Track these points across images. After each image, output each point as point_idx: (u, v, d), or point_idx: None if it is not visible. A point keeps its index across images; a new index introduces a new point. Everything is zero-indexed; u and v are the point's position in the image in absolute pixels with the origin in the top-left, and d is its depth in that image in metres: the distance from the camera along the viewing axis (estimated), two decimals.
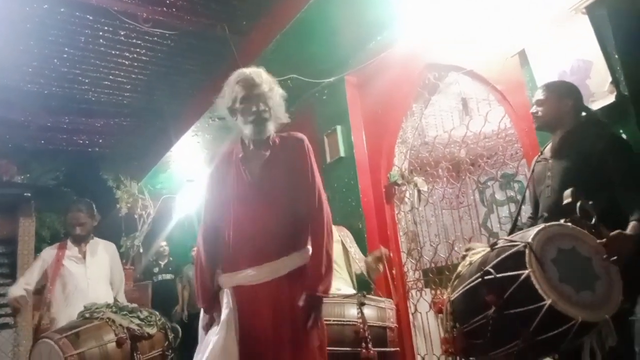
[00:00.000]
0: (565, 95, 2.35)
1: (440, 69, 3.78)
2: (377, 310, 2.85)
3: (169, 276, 6.87)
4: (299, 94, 4.56)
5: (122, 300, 3.49)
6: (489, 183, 5.92)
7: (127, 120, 5.92)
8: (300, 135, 2.25)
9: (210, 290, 2.15)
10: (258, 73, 2.17)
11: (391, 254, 3.83)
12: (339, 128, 4.32)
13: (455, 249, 3.74)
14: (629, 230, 1.94)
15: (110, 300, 3.36)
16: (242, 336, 2.02)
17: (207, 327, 2.13)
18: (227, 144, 2.34)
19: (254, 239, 2.09)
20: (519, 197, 5.96)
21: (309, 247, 2.14)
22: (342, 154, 4.27)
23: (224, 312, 2.07)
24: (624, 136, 2.36)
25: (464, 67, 3.47)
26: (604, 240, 1.86)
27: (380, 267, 3.36)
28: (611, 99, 2.47)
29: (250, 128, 2.14)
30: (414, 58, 3.82)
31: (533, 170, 2.50)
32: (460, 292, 2.09)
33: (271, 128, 2.18)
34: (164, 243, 6.94)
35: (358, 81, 4.42)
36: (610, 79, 2.48)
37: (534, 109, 2.38)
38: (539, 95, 2.39)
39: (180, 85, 5.26)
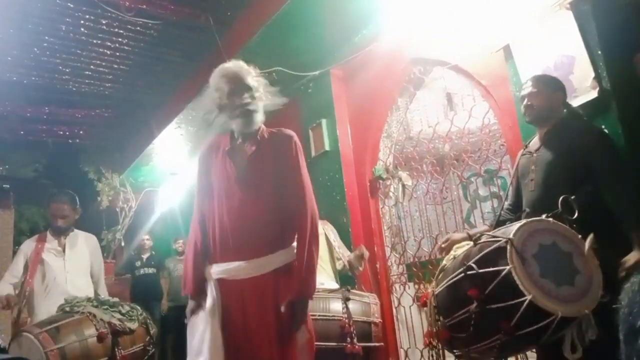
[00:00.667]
0: (556, 89, 2.36)
1: (425, 64, 3.78)
2: (362, 305, 2.85)
3: (151, 270, 6.79)
4: (283, 87, 4.45)
5: (103, 293, 3.43)
6: (472, 179, 5.96)
7: (108, 111, 5.83)
8: (289, 131, 2.23)
9: (198, 277, 2.13)
10: (241, 66, 2.16)
11: (375, 248, 3.84)
12: (324, 122, 4.31)
13: (439, 243, 3.75)
14: (635, 243, 1.97)
15: (91, 294, 3.31)
16: (224, 329, 2.01)
17: (192, 312, 2.11)
18: (214, 136, 2.31)
19: (238, 234, 2.08)
20: (502, 193, 6.03)
21: (294, 246, 2.12)
22: (327, 147, 4.26)
23: (209, 301, 2.06)
24: (605, 131, 2.38)
25: (449, 61, 3.47)
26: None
27: (362, 265, 3.37)
28: (594, 94, 2.49)
29: (237, 122, 2.13)
30: (399, 52, 3.82)
31: (517, 164, 2.51)
32: (444, 286, 2.09)
33: (259, 120, 2.15)
34: (146, 236, 6.87)
35: (344, 74, 4.40)
36: (593, 74, 2.49)
37: (526, 101, 2.36)
38: (531, 87, 2.37)
39: (163, 76, 5.19)
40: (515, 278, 1.72)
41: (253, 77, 2.15)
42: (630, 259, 1.97)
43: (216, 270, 2.10)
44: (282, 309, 2.00)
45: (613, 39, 2.47)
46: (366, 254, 3.36)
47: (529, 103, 2.36)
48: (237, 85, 2.11)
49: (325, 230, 3.53)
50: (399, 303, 3.91)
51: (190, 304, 2.14)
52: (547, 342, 1.85)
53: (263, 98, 2.16)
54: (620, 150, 2.26)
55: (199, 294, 2.11)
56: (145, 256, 6.84)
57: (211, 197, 2.17)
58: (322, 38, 4.05)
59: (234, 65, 2.16)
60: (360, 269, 3.38)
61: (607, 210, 2.15)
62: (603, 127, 2.39)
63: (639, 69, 2.40)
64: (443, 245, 2.50)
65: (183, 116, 5.38)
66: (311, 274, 2.07)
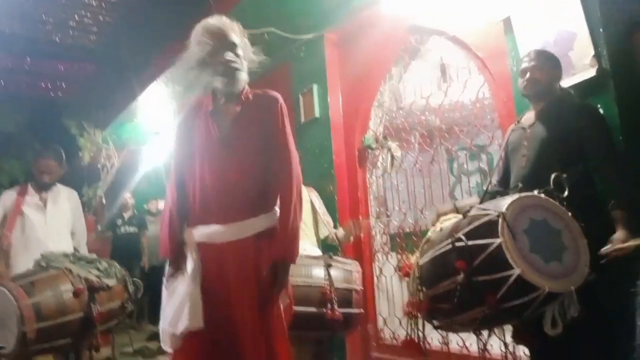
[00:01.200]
0: (556, 66, 2.34)
1: (422, 33, 3.69)
2: (344, 273, 2.86)
3: (132, 229, 6.76)
4: (275, 49, 4.38)
5: (84, 251, 3.37)
6: (460, 152, 5.95)
7: (92, 65, 5.67)
8: (275, 93, 2.16)
9: (177, 242, 2.08)
10: (225, 22, 2.07)
11: (361, 218, 3.84)
12: (315, 87, 4.21)
13: (424, 215, 3.76)
14: (620, 224, 1.98)
15: (70, 251, 3.25)
16: (204, 294, 1.98)
17: (171, 277, 2.07)
18: (197, 96, 2.23)
19: (220, 197, 2.03)
20: (488, 169, 6.05)
21: (277, 209, 2.09)
22: (317, 114, 4.18)
23: (189, 266, 2.02)
24: (601, 111, 2.36)
25: (446, 32, 3.40)
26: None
27: (352, 238, 3.36)
28: (592, 72, 2.45)
29: (221, 80, 2.04)
30: (397, 19, 3.71)
31: (508, 139, 2.48)
32: (430, 257, 2.09)
33: (243, 79, 2.08)
34: (128, 195, 6.79)
35: (338, 40, 4.29)
36: (592, 52, 2.45)
37: (529, 75, 2.31)
38: (535, 61, 2.32)
39: (151, 31, 5.02)
40: (505, 252, 1.71)
41: (238, 34, 2.07)
42: (618, 238, 1.97)
43: (196, 234, 2.05)
44: (265, 272, 1.98)
45: (615, 17, 2.43)
46: (359, 225, 3.35)
47: (532, 77, 2.31)
48: (221, 42, 2.02)
49: (311, 197, 3.50)
50: (381, 272, 3.93)
51: (169, 268, 2.10)
52: (529, 316, 1.87)
53: (247, 57, 2.08)
54: (614, 131, 2.24)
55: (177, 258, 2.07)
56: (127, 215, 6.79)
57: (192, 158, 2.10)
58: (318, 0, 3.93)
59: (217, 20, 2.07)
60: (351, 240, 3.38)
61: (595, 191, 2.16)
62: (599, 106, 2.36)
63: (638, 48, 2.36)
64: (433, 218, 2.49)
65: (170, 74, 5.22)
66: (294, 238, 2.05)
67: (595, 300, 1.98)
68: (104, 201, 6.63)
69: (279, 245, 2.01)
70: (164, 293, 2.13)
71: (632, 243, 1.92)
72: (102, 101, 6.31)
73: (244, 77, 2.07)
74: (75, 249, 3.38)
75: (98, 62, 5.59)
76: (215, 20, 2.07)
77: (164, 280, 2.13)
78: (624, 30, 2.39)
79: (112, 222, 6.73)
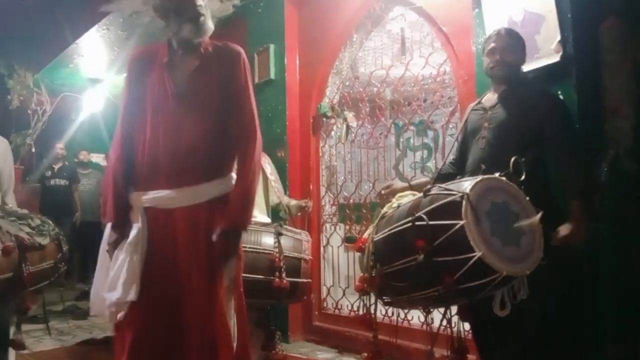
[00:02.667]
0: (524, 48, 2.31)
1: (387, 1, 3.59)
2: (294, 241, 2.82)
3: (62, 182, 6.37)
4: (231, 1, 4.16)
5: (12, 203, 3.08)
6: (409, 127, 6.00)
7: (28, 0, 5.11)
8: (237, 47, 2.00)
9: (122, 206, 1.92)
10: None
11: (311, 187, 3.78)
12: (272, 47, 4.04)
13: (375, 188, 3.75)
14: (571, 212, 2.02)
15: None
16: (148, 262, 1.85)
17: (115, 244, 1.92)
18: (147, 44, 2.04)
19: (172, 158, 1.87)
20: (432, 145, 6.13)
21: (233, 175, 1.96)
22: (272, 76, 4.02)
23: (133, 232, 1.87)
24: (561, 97, 2.38)
25: (413, 2, 3.31)
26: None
27: (298, 214, 3.31)
28: (556, 58, 2.46)
29: (187, 27, 1.87)
30: None
31: (467, 119, 2.46)
32: (387, 233, 2.05)
33: (210, 27, 1.91)
34: (60, 145, 6.35)
35: None
36: (558, 37, 2.46)
37: (499, 56, 2.26)
38: (505, 41, 2.27)
39: None
40: (468, 233, 1.69)
41: None
42: (562, 230, 2.02)
43: (145, 198, 1.89)
44: (215, 237, 1.86)
45: (584, 5, 2.43)
46: (309, 206, 3.31)
47: (502, 58, 2.26)
48: None
49: (263, 163, 3.39)
50: (328, 242, 3.92)
51: (111, 234, 1.94)
52: (481, 297, 1.89)
53: (211, 4, 1.96)
54: (573, 119, 2.27)
55: (122, 223, 1.91)
56: (57, 166, 6.37)
57: (142, 114, 1.92)
58: None
59: None
60: (299, 214, 3.32)
61: (548, 176, 2.19)
62: (559, 93, 2.38)
63: (603, 37, 2.39)
64: (383, 192, 2.46)
65: (113, 17, 4.86)
66: (249, 204, 1.94)
67: (540, 282, 2.02)
68: (33, 150, 6.17)
69: (234, 211, 1.89)
70: (102, 260, 1.99)
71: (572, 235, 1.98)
72: (36, 41, 5.77)
73: (210, 25, 1.91)
74: (2, 201, 3.09)
75: None
76: None
77: (103, 245, 1.97)
78: (592, 18, 2.39)
79: (41, 174, 6.30)
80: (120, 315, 1.84)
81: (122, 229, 1.91)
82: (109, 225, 1.97)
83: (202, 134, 1.90)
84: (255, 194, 2.00)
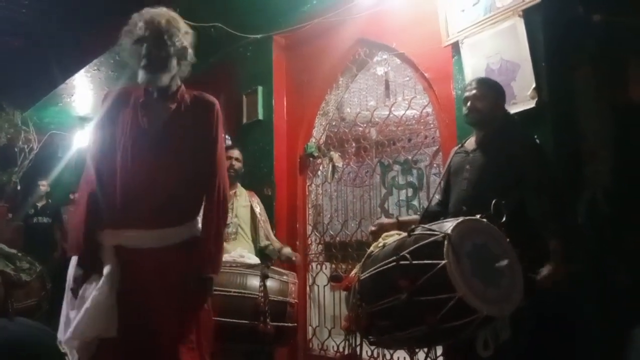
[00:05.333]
0: (499, 94, 2.42)
1: (372, 47, 3.73)
2: (280, 284, 2.78)
3: (45, 219, 6.28)
4: (221, 45, 4.28)
5: None
6: (395, 166, 6.09)
7: (19, 40, 5.19)
8: (212, 98, 2.07)
9: (90, 241, 1.90)
10: (164, 13, 1.94)
11: (297, 225, 3.81)
12: (260, 89, 4.14)
13: (362, 227, 3.80)
14: (551, 254, 2.09)
15: None
16: (120, 301, 1.85)
17: (81, 281, 1.89)
18: (125, 85, 2.09)
19: (145, 199, 1.90)
20: (417, 183, 6.23)
21: (199, 219, 2.01)
22: (260, 117, 4.10)
23: (105, 269, 1.86)
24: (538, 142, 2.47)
25: (396, 49, 3.45)
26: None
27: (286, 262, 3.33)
28: (532, 104, 2.58)
29: (141, 73, 1.92)
30: (347, 30, 3.73)
31: (450, 161, 2.55)
32: (372, 272, 2.08)
33: (166, 79, 1.94)
34: (42, 182, 6.28)
35: (286, 43, 4.24)
36: (534, 84, 2.57)
37: (470, 103, 2.38)
38: (476, 90, 2.38)
39: (87, 11, 4.69)
40: (449, 273, 1.73)
41: (178, 29, 1.95)
42: (543, 271, 2.08)
43: (115, 237, 1.90)
44: (188, 283, 1.89)
45: (559, 53, 2.56)
46: (297, 261, 3.35)
47: (473, 106, 2.37)
48: (152, 34, 1.89)
49: (252, 202, 3.42)
50: (314, 282, 3.91)
51: (77, 270, 1.91)
52: (464, 337, 1.92)
53: (184, 56, 1.97)
54: (550, 163, 2.36)
55: (91, 260, 1.89)
56: (40, 204, 6.29)
57: (113, 152, 1.94)
58: (270, 1, 3.87)
59: (156, 10, 1.94)
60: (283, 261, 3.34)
61: (529, 217, 2.26)
62: (535, 137, 2.47)
63: (578, 83, 2.51)
64: (373, 229, 2.51)
65: (104, 58, 4.95)
66: (219, 250, 1.99)
67: (522, 323, 2.06)
68: (18, 187, 6.13)
69: (205, 257, 1.94)
70: (68, 297, 1.94)
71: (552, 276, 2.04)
72: (26, 80, 5.83)
73: (167, 77, 1.94)
74: None
75: (26, 37, 5.14)
76: (154, 10, 1.94)
77: (69, 282, 1.94)
78: (566, 65, 2.52)
79: (24, 212, 6.22)
80: (90, 353, 1.82)
81: (92, 265, 1.89)
82: (73, 260, 1.95)
83: (176, 178, 1.94)
84: (223, 238, 2.05)
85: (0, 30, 4.99)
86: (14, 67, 5.64)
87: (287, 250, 3.32)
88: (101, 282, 1.83)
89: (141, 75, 1.92)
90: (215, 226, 1.97)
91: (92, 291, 1.83)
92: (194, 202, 2.01)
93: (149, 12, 1.94)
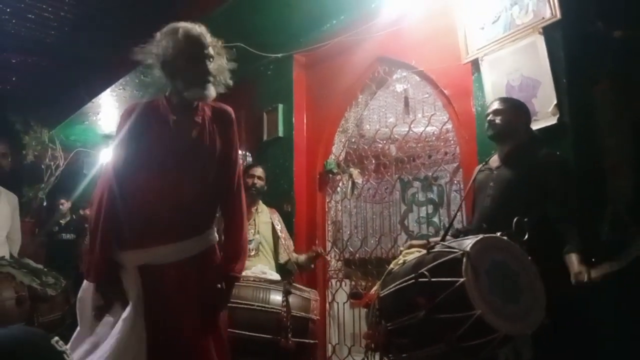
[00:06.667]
0: (521, 111, 2.42)
1: (391, 64, 3.76)
2: (302, 300, 2.79)
3: (70, 236, 6.38)
4: (242, 64, 4.30)
5: (17, 256, 3.16)
6: (415, 183, 6.06)
7: (47, 60, 5.37)
8: (228, 108, 2.10)
9: (109, 263, 1.85)
10: (204, 31, 1.97)
11: (317, 242, 3.80)
12: (280, 107, 4.19)
13: (381, 244, 3.78)
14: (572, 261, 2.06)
15: (5, 254, 3.04)
16: (149, 324, 1.81)
17: (103, 309, 1.85)
18: (148, 99, 2.11)
19: (172, 214, 1.88)
20: (438, 200, 6.17)
21: (215, 228, 2.05)
22: (280, 134, 4.15)
23: (132, 296, 1.82)
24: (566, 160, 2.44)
25: (415, 66, 3.47)
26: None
27: (313, 265, 3.33)
28: (553, 120, 2.56)
29: (195, 90, 1.92)
30: (367, 48, 3.77)
31: (475, 179, 2.54)
32: (391, 290, 2.07)
33: (213, 94, 1.97)
34: (62, 200, 6.38)
35: (307, 61, 4.30)
36: (555, 101, 2.56)
37: (491, 117, 2.40)
38: (497, 105, 2.42)
39: (113, 32, 4.83)
40: (468, 291, 1.72)
41: (216, 47, 2.00)
42: (580, 270, 2.04)
43: (140, 256, 1.87)
44: (219, 284, 1.94)
45: (579, 69, 2.55)
46: (320, 251, 3.33)
47: (493, 119, 2.39)
48: (202, 51, 1.91)
49: (272, 219, 3.45)
50: (333, 298, 3.90)
51: (96, 298, 1.85)
52: (485, 356, 1.89)
53: (220, 70, 2.00)
54: (574, 180, 2.33)
55: (112, 284, 1.84)
56: (64, 221, 6.40)
57: (140, 169, 1.91)
58: (290, 21, 3.93)
59: (197, 28, 1.96)
60: (312, 266, 3.34)
61: (555, 235, 2.22)
62: (558, 153, 2.45)
63: (598, 99, 2.49)
64: (405, 251, 2.49)
65: (129, 78, 5.08)
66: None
67: (545, 342, 2.02)
68: (44, 203, 6.26)
69: (230, 257, 1.99)
70: (87, 326, 1.85)
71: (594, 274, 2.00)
72: (53, 99, 6.00)
73: (213, 91, 1.97)
74: (11, 254, 3.17)
75: (53, 58, 5.31)
76: (196, 29, 1.96)
77: (89, 311, 1.87)
78: (586, 81, 2.50)
79: (49, 228, 6.34)
80: None
81: (115, 290, 1.84)
82: (86, 285, 1.90)
83: (204, 190, 1.97)
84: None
85: (30, 51, 5.17)
86: (42, 86, 5.83)
87: (303, 256, 3.33)
88: (128, 310, 1.78)
89: (193, 92, 1.92)
90: (242, 229, 2.04)
91: (119, 320, 1.78)
92: (212, 210, 2.05)
93: (191, 29, 1.94)
